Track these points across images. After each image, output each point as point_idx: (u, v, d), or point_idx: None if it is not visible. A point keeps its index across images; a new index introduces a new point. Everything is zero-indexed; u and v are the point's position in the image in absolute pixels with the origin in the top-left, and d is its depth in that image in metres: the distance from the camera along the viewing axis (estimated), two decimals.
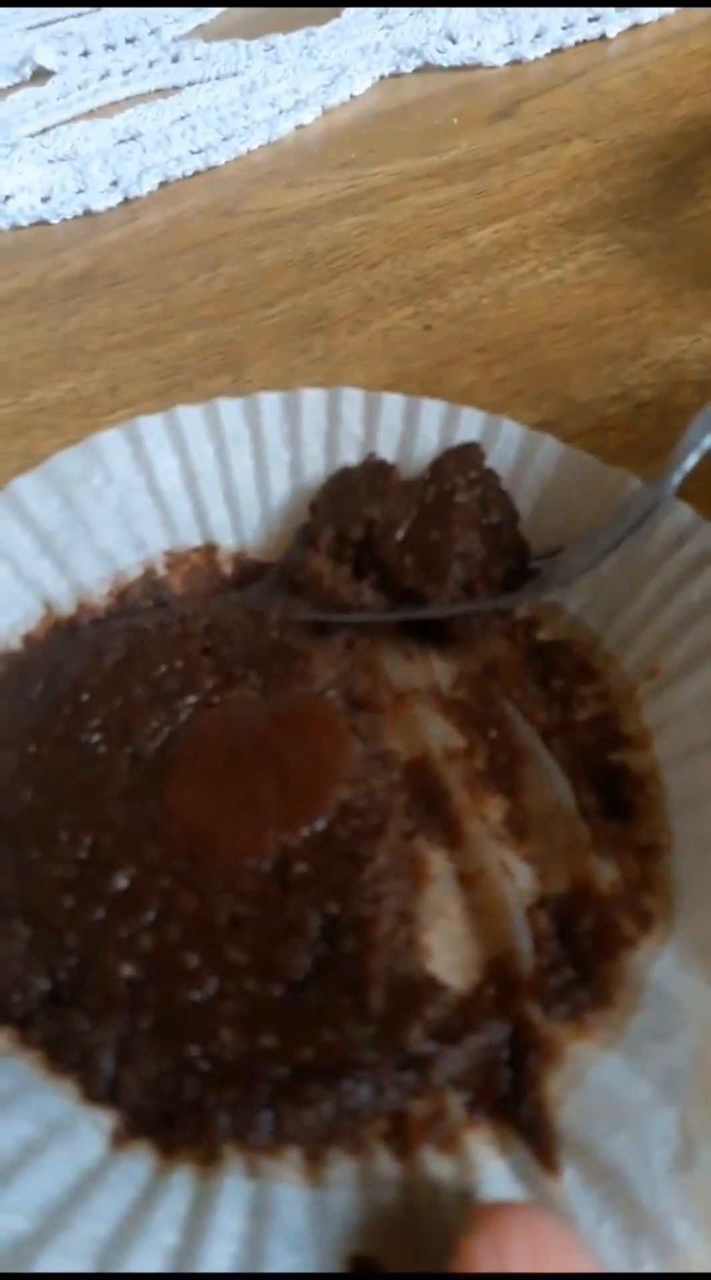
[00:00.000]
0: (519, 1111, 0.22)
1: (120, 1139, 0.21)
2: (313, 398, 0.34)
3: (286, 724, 0.28)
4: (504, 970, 0.24)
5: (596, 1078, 0.22)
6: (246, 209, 0.55)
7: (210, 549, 0.34)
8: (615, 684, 0.29)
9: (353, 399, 0.34)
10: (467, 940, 0.25)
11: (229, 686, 0.29)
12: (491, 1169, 0.21)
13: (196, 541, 0.33)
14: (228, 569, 0.34)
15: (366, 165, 0.56)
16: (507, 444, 0.33)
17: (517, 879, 0.25)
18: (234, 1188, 0.20)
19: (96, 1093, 0.22)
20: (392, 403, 0.34)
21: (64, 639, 0.31)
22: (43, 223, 0.56)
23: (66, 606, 0.32)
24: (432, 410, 0.34)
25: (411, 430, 0.34)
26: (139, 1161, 0.21)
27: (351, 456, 0.34)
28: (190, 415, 0.34)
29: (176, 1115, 0.22)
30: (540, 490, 0.32)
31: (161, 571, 0.33)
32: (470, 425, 0.34)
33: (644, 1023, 0.22)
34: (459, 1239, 0.17)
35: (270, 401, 0.34)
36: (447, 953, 0.24)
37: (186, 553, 0.33)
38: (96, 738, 0.28)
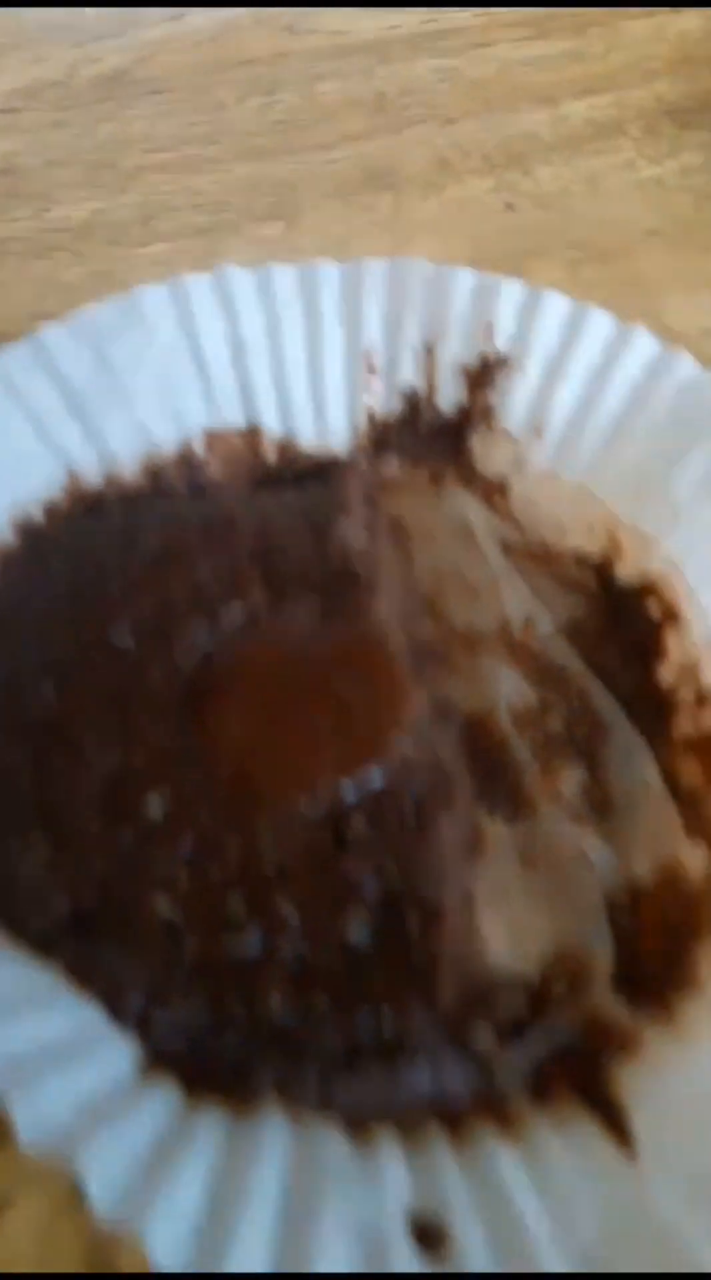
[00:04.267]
0: (589, 1100, 0.20)
1: (146, 1069, 0.19)
2: (376, 270, 0.30)
3: (344, 658, 0.25)
4: (576, 962, 0.22)
5: (681, 1067, 0.20)
6: (310, 27, 0.48)
7: (254, 432, 0.30)
8: (700, 628, 0.26)
9: (423, 272, 0.30)
10: (532, 927, 0.22)
11: (280, 605, 0.26)
12: (554, 1145, 0.19)
13: (240, 421, 0.30)
14: (272, 457, 0.30)
15: None
16: (595, 341, 0.29)
17: (595, 864, 0.23)
18: (275, 1124, 0.19)
19: (123, 1023, 0.20)
20: (465, 280, 0.30)
21: (90, 517, 0.28)
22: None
23: (93, 478, 0.28)
24: (512, 292, 0.30)
25: (485, 313, 0.30)
26: (167, 1090, 0.19)
27: (415, 339, 0.30)
28: (241, 278, 0.29)
29: (212, 1064, 0.20)
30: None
31: (200, 452, 0.29)
32: (553, 314, 0.29)
33: None
34: None
35: (328, 272, 0.30)
36: (509, 938, 0.22)
37: (228, 434, 0.30)
38: (128, 640, 0.25)
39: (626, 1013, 0.21)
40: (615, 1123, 0.19)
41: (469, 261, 0.37)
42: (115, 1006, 0.20)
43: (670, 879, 0.23)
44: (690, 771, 0.24)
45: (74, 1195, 0.17)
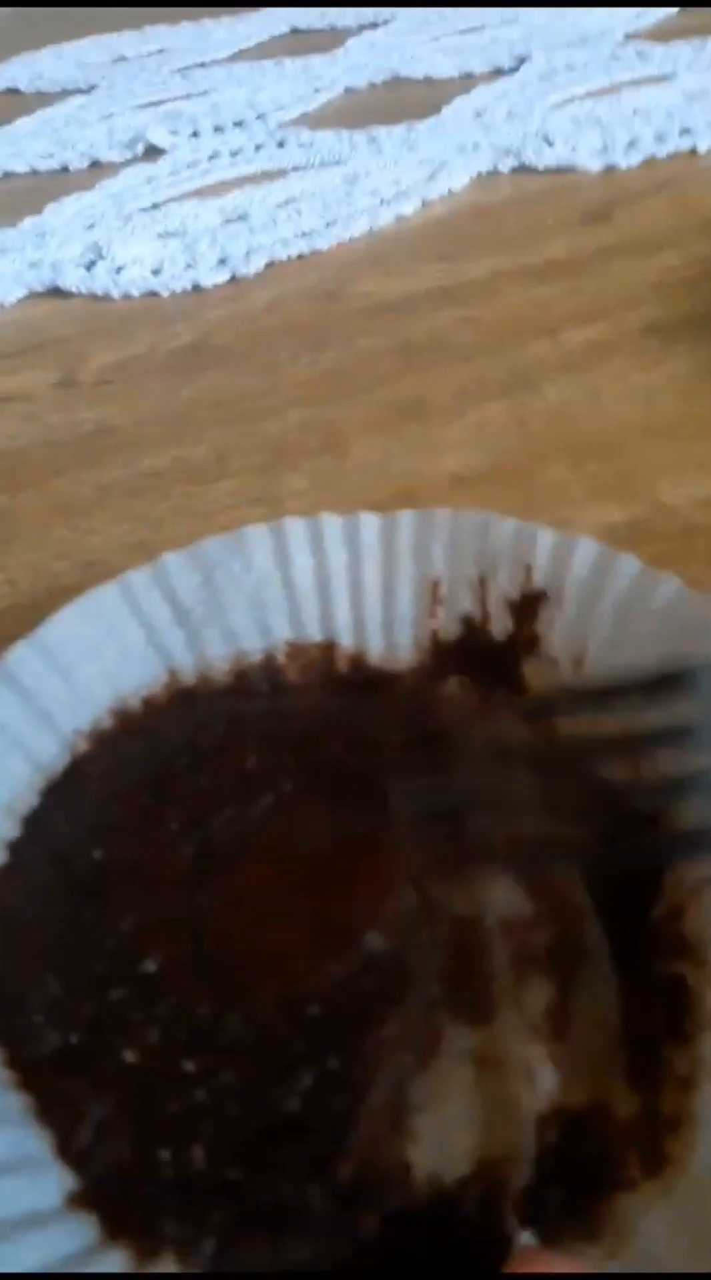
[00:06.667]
0: None
1: (74, 1201, 0.23)
2: (441, 517, 0.35)
3: (344, 851, 0.29)
4: (495, 1173, 0.23)
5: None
6: (347, 293, 0.58)
7: (330, 645, 0.35)
8: (688, 877, 0.27)
9: (476, 520, 0.35)
10: (465, 1131, 0.24)
11: (305, 792, 0.30)
12: None
13: (318, 637, 0.35)
14: (343, 667, 0.35)
15: (463, 259, 0.59)
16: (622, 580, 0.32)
17: (538, 1084, 0.25)
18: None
19: (69, 1152, 0.23)
20: (509, 526, 0.34)
21: (180, 708, 0.33)
22: (153, 294, 0.60)
23: (189, 677, 0.34)
24: (546, 537, 0.34)
25: (525, 555, 0.34)
26: (85, 1225, 0.22)
27: (472, 574, 0.35)
28: (332, 523, 0.35)
29: (129, 1207, 0.23)
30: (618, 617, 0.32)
31: (281, 659, 0.35)
32: (584, 556, 0.33)
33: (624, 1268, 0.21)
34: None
35: (406, 519, 0.35)
36: (437, 1140, 0.24)
37: (307, 645, 0.35)
38: (172, 813, 0.30)
39: (515, 1225, 0.22)
40: None
41: (487, 468, 0.44)
42: (67, 1136, 0.24)
43: (599, 1116, 0.24)
44: (650, 1022, 0.25)
45: None
